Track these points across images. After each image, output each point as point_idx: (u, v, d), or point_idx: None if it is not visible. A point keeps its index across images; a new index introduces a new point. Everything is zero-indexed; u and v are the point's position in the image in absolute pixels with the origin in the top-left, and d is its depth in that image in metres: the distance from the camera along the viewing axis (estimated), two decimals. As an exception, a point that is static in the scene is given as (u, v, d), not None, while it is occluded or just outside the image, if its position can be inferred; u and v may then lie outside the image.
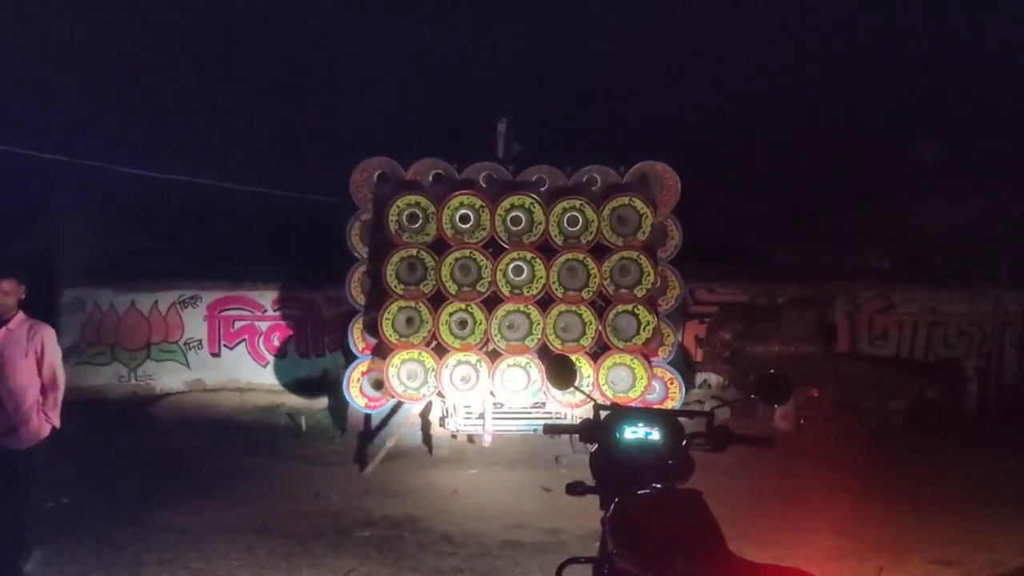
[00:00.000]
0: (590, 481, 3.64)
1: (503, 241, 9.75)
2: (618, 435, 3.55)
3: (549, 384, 4.14)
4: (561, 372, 3.99)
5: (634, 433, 3.55)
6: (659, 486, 3.41)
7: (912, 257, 15.98)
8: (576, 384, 4.02)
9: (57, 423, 6.13)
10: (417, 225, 9.77)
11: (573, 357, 8.73)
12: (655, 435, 3.54)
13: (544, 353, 9.70)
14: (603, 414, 3.75)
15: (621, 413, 3.73)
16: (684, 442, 3.57)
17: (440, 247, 9.75)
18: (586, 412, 9.83)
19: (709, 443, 3.62)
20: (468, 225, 9.75)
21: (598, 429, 3.67)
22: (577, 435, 3.85)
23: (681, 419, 3.72)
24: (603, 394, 9.51)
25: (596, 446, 3.69)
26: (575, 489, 3.62)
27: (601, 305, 9.89)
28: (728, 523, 3.16)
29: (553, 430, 4.05)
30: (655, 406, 9.81)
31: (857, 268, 15.30)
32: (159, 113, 17.37)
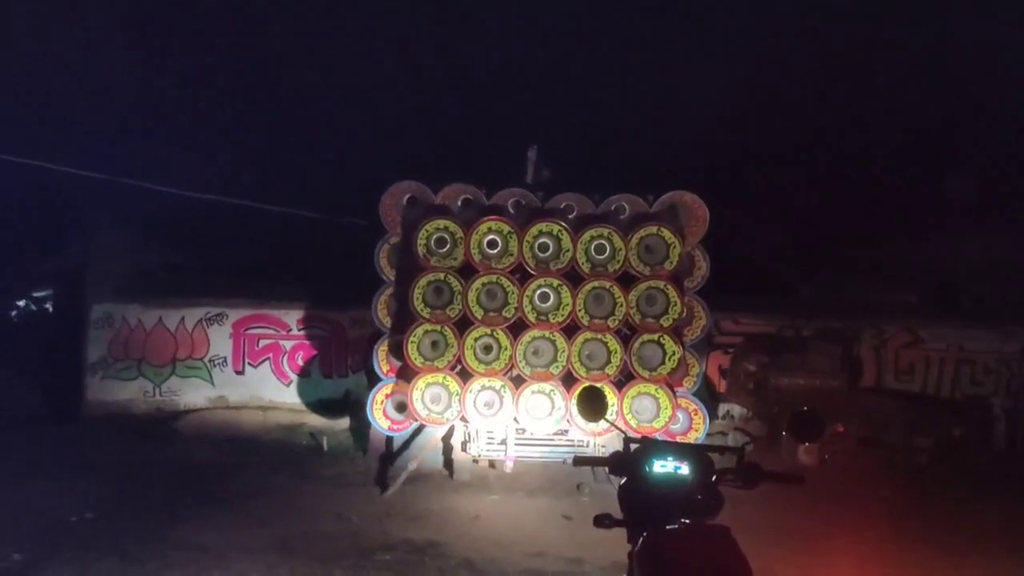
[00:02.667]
0: (616, 513, 3.63)
1: (530, 267, 9.77)
2: (648, 468, 3.54)
3: (579, 415, 4.12)
4: (592, 404, 3.99)
5: (663, 467, 3.54)
6: (688, 521, 3.40)
7: (940, 292, 15.84)
8: (606, 417, 4.02)
9: None
10: (445, 249, 9.81)
11: (597, 385, 8.72)
12: (684, 469, 3.53)
13: (568, 380, 9.69)
14: (633, 447, 3.74)
15: (651, 446, 3.72)
16: (714, 477, 3.56)
17: (467, 272, 9.77)
18: (609, 441, 9.82)
19: (739, 480, 3.60)
20: (496, 251, 9.78)
21: (628, 462, 3.66)
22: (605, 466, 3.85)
23: (710, 454, 3.71)
24: (627, 423, 9.47)
25: (625, 479, 3.68)
26: (603, 521, 3.61)
27: (627, 334, 9.86)
28: (753, 559, 3.14)
29: (583, 462, 4.04)
30: (678, 438, 9.78)
31: (884, 302, 15.18)
32: (192, 132, 17.59)
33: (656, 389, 9.68)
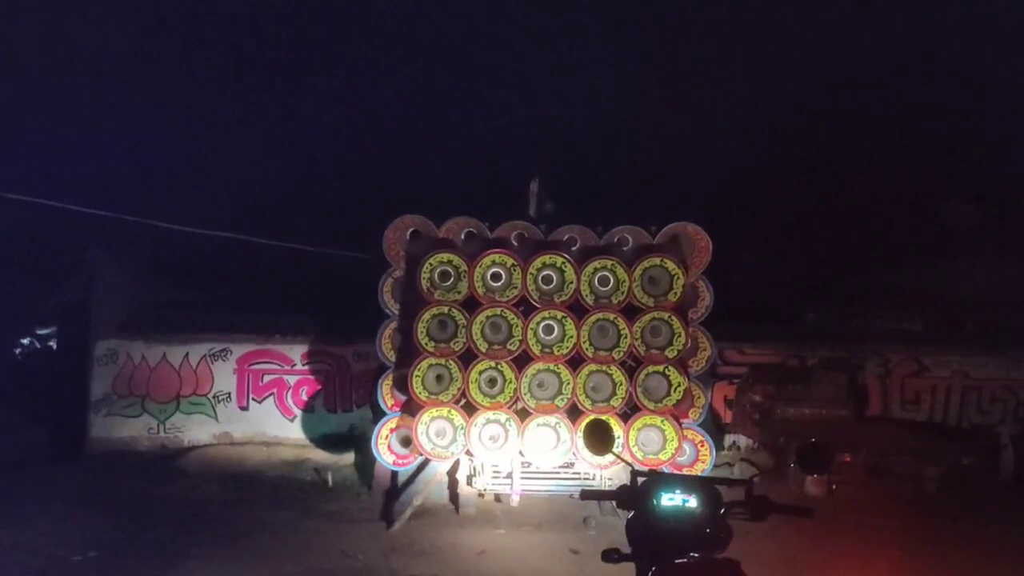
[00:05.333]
0: (624, 547, 3.60)
1: (534, 300, 9.76)
2: (655, 502, 3.51)
3: (586, 448, 4.10)
4: (599, 437, 3.96)
5: (671, 500, 3.51)
6: (696, 555, 3.37)
7: (945, 320, 15.81)
8: (613, 450, 3.99)
9: None
10: (449, 283, 9.81)
11: (604, 418, 8.68)
12: (693, 503, 3.50)
13: (574, 413, 9.64)
14: (640, 480, 3.71)
15: (659, 479, 3.70)
16: (722, 510, 3.54)
17: (471, 305, 9.77)
18: (616, 473, 9.77)
19: (748, 512, 3.57)
20: (499, 283, 9.78)
21: (635, 495, 3.63)
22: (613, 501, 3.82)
23: (718, 486, 3.68)
24: (633, 456, 9.43)
25: (633, 512, 3.65)
26: (611, 556, 3.58)
27: (632, 365, 9.83)
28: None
29: (591, 496, 4.01)
30: (685, 469, 9.72)
31: (889, 330, 15.14)
32: (195, 167, 17.69)
33: (662, 421, 9.63)
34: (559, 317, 9.69)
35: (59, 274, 15.94)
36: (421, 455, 9.80)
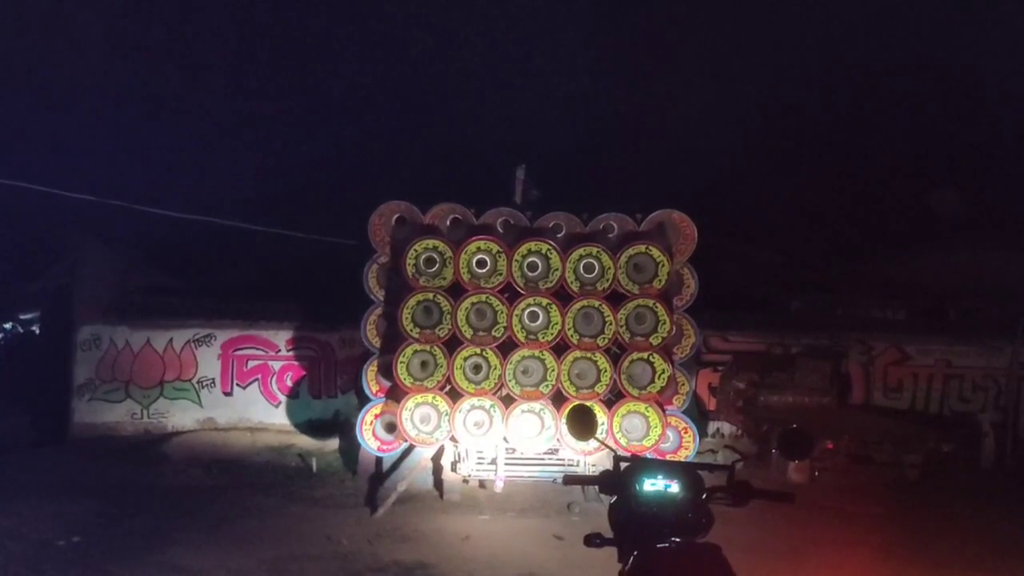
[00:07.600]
0: (606, 532, 3.62)
1: (519, 287, 9.76)
2: (637, 487, 3.53)
3: (569, 434, 4.11)
4: (582, 423, 3.97)
5: (653, 485, 3.53)
6: (678, 540, 3.39)
7: (927, 309, 15.89)
8: (596, 435, 4.00)
9: None
10: (434, 269, 9.80)
11: (586, 404, 8.71)
12: (675, 488, 3.52)
13: (558, 399, 9.67)
14: (623, 465, 3.73)
15: (641, 465, 3.72)
16: (704, 495, 3.56)
17: (456, 291, 9.76)
18: (600, 460, 9.81)
19: (729, 497, 3.60)
20: (485, 270, 9.77)
21: (617, 480, 3.65)
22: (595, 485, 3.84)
23: (700, 472, 3.71)
24: (617, 442, 9.46)
25: (615, 498, 3.67)
26: (593, 541, 3.60)
27: (616, 352, 9.85)
28: (746, 578, 3.13)
29: (573, 481, 4.02)
30: (669, 456, 9.77)
31: (872, 319, 15.22)
32: (179, 152, 17.58)
33: (646, 408, 9.67)
34: (544, 304, 9.70)
35: (42, 259, 15.83)
36: (406, 441, 9.81)
